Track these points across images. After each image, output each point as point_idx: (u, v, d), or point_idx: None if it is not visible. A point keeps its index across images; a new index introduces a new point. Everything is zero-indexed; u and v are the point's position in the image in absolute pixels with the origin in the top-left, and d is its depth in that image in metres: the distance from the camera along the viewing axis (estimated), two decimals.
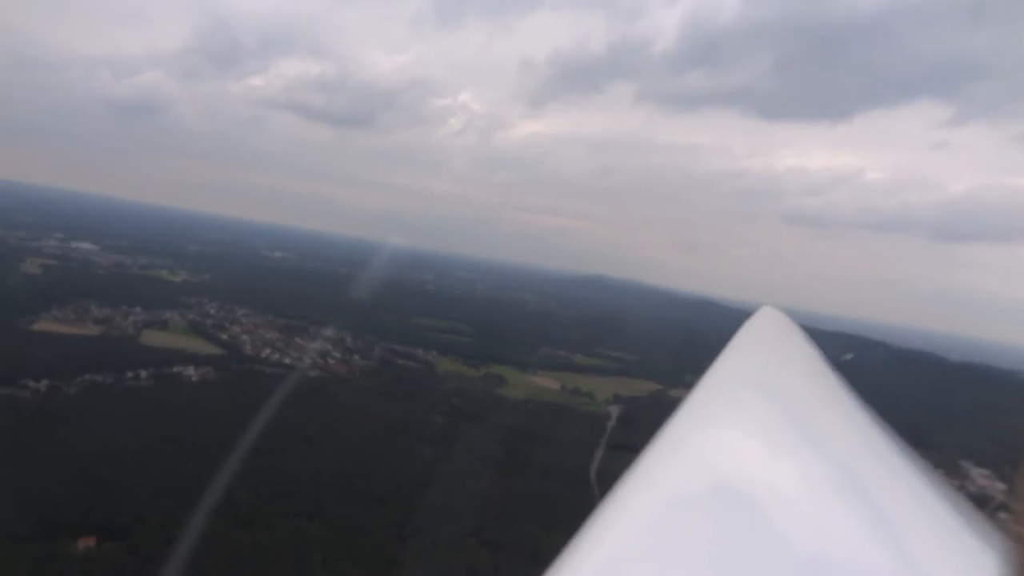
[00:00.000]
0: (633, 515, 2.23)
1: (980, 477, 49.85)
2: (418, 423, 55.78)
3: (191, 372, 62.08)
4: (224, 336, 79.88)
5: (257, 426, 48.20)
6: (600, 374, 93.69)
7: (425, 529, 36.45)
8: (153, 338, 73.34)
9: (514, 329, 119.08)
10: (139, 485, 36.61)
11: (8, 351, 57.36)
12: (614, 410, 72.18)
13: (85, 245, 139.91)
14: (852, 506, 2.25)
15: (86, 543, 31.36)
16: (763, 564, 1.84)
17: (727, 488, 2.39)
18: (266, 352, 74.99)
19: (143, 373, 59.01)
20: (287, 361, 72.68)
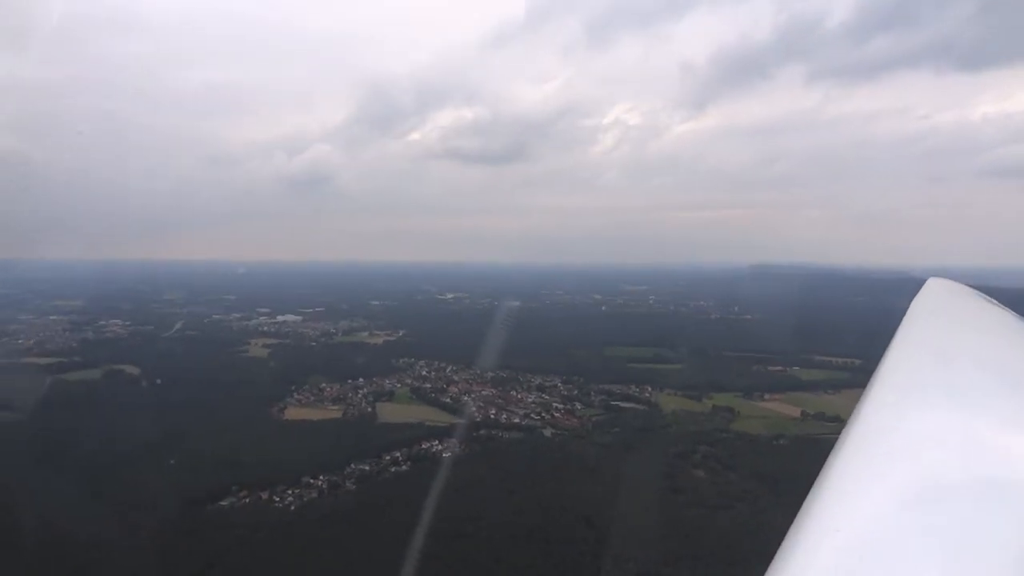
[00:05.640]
0: (869, 502, 2.13)
1: None
2: (684, 483, 52.75)
3: (438, 447, 63.36)
4: (446, 399, 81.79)
5: (534, 507, 47.68)
6: (831, 388, 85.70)
7: None
8: (387, 412, 76.36)
9: (713, 346, 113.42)
10: None
11: (283, 446, 61.78)
12: None
13: (290, 317, 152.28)
14: None
15: None
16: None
17: (972, 473, 2.17)
18: (492, 412, 75.60)
19: (398, 455, 60.92)
20: (516, 420, 72.66)
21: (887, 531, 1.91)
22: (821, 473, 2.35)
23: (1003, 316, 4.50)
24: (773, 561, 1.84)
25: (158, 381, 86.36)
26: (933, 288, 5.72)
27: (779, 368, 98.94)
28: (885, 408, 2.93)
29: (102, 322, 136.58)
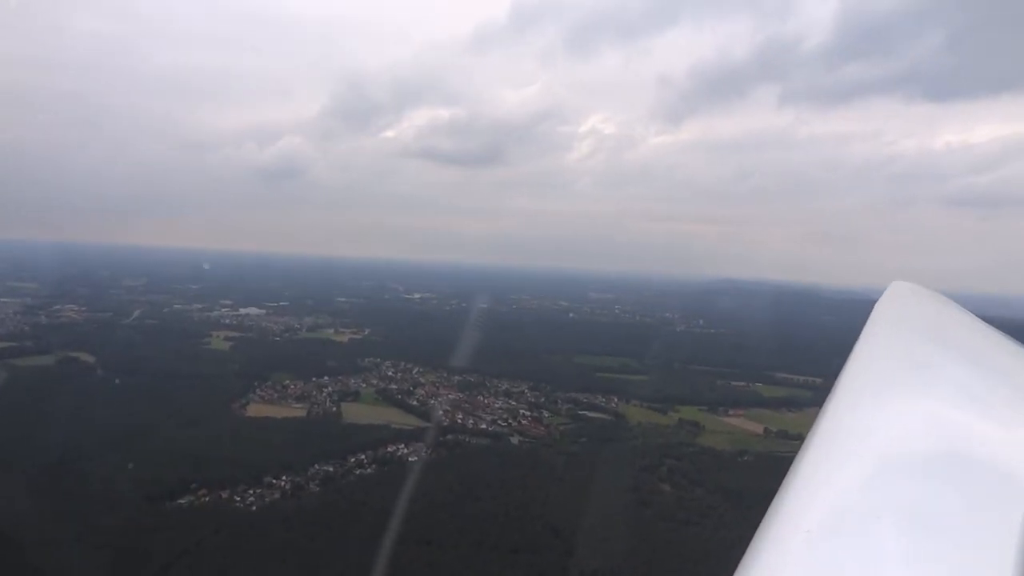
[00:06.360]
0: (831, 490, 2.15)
1: None
2: (651, 497, 53.10)
3: (405, 451, 62.68)
4: (413, 402, 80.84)
5: (501, 515, 47.46)
6: (794, 407, 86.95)
7: None
8: (352, 412, 75.24)
9: (678, 359, 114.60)
10: None
11: (244, 444, 60.47)
12: None
13: (253, 310, 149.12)
14: None
15: None
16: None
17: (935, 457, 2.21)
18: (459, 417, 75.10)
19: (363, 458, 60.07)
20: (483, 426, 72.30)
21: (855, 530, 1.86)
22: (788, 473, 2.31)
23: (966, 317, 4.52)
24: (741, 563, 1.78)
25: (114, 372, 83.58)
26: (897, 291, 5.78)
27: (742, 384, 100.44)
28: (852, 407, 2.90)
29: (57, 307, 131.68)
